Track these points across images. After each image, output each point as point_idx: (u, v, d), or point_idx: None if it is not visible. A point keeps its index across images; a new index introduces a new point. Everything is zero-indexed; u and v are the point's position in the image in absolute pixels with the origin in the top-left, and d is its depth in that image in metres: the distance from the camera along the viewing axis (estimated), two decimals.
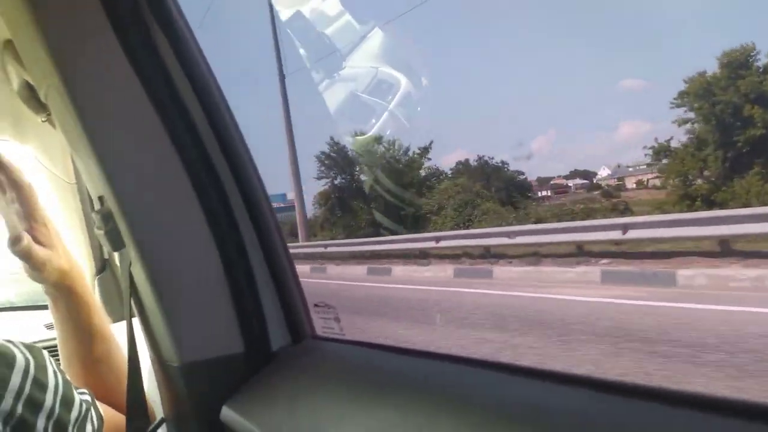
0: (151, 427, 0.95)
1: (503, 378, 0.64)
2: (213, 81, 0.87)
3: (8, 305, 2.39)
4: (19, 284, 2.58)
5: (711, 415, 0.45)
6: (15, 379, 0.81)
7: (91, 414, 0.93)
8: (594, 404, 0.53)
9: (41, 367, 0.86)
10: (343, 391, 0.74)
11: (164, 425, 0.98)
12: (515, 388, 0.61)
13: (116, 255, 0.95)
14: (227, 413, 0.84)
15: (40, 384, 0.84)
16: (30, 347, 0.89)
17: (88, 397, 0.95)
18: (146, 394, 0.96)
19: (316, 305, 0.97)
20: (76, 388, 0.93)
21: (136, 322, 0.96)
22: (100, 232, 0.88)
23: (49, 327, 2.01)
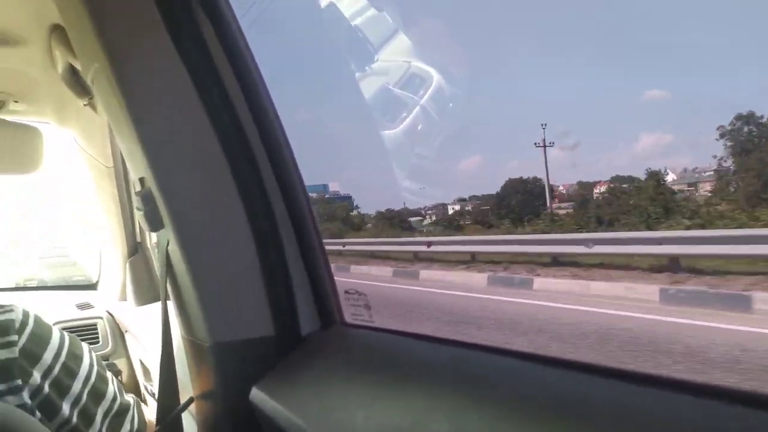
0: (180, 406, 0.98)
1: (530, 366, 0.65)
2: (256, 71, 0.89)
3: (45, 285, 2.46)
4: (55, 268, 2.66)
5: (723, 404, 0.46)
6: (46, 357, 0.84)
7: (133, 415, 0.96)
8: (620, 394, 0.53)
9: (74, 355, 0.90)
10: (371, 376, 0.75)
11: (193, 404, 1.01)
12: (542, 377, 0.61)
13: (152, 238, 0.97)
14: (256, 394, 0.86)
15: (69, 370, 0.87)
16: (72, 337, 0.92)
17: (131, 401, 0.98)
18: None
19: (346, 292, 0.98)
20: (121, 390, 0.97)
21: (169, 303, 0.99)
22: (139, 213, 0.90)
23: (81, 307, 2.07)
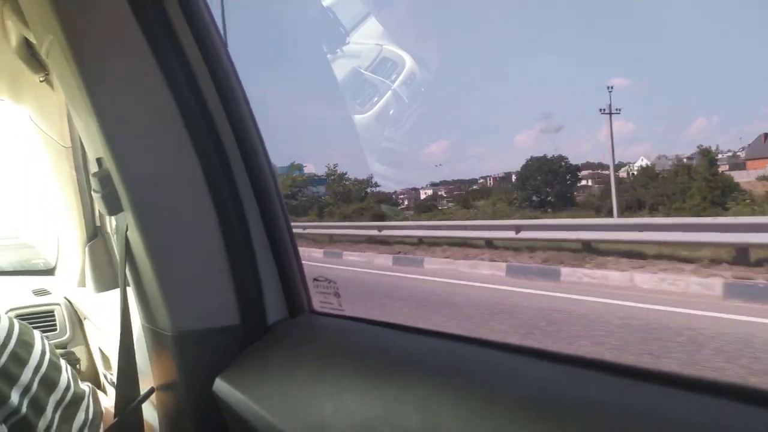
0: (140, 396, 0.95)
1: (506, 357, 0.63)
2: (222, 45, 0.85)
3: None
4: (9, 251, 2.55)
5: (719, 400, 0.45)
6: None
7: (88, 404, 0.93)
8: (598, 385, 0.53)
9: (24, 342, 0.86)
10: (340, 366, 0.73)
11: (154, 395, 0.97)
12: (519, 368, 0.60)
13: (112, 219, 0.93)
14: (220, 385, 0.83)
15: (17, 358, 0.83)
16: (23, 324, 0.89)
17: (86, 389, 0.95)
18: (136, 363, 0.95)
19: (315, 279, 0.96)
20: (76, 378, 0.93)
21: (129, 290, 0.95)
22: (97, 195, 0.86)
23: (37, 293, 2.00)
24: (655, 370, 0.50)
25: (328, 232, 13.81)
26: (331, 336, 0.86)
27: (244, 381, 0.81)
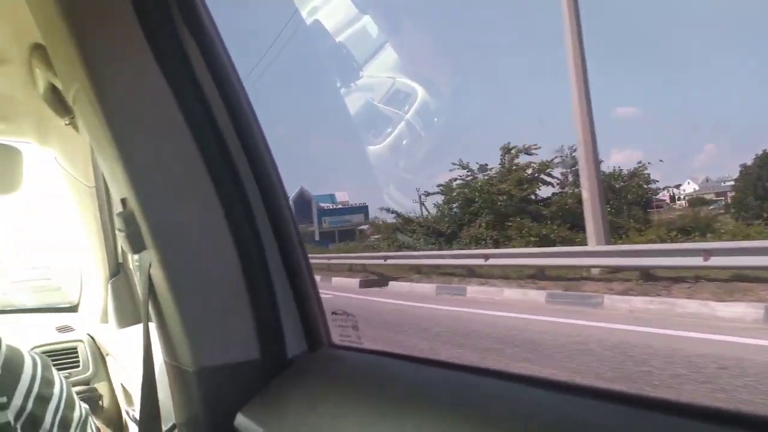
0: None
1: (523, 389, 0.63)
2: (241, 90, 0.88)
3: (23, 308, 2.41)
4: (35, 290, 2.60)
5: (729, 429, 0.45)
6: (24, 378, 0.84)
7: (90, 422, 0.95)
8: (617, 418, 0.52)
9: (47, 366, 0.90)
10: (360, 400, 0.73)
11: (176, 431, 0.98)
12: (535, 400, 0.60)
13: (135, 258, 0.95)
14: (241, 420, 0.83)
15: (48, 381, 0.87)
16: (43, 359, 0.92)
17: (86, 406, 0.98)
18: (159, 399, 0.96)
19: (333, 313, 0.96)
20: (87, 416, 0.96)
21: (151, 326, 0.97)
22: (121, 234, 0.88)
23: (61, 330, 2.03)
24: (683, 403, 0.50)
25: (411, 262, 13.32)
26: (350, 370, 0.86)
27: (265, 416, 0.81)
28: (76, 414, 0.91)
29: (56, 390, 0.89)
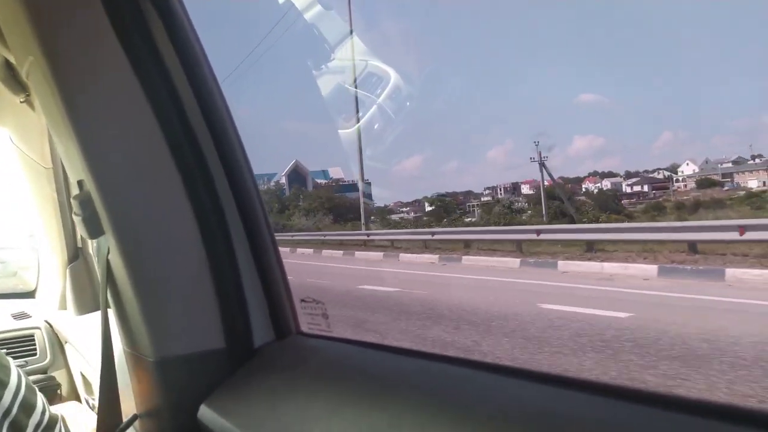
0: (123, 424, 0.92)
1: (500, 379, 0.62)
2: (207, 65, 0.84)
3: None
4: None
5: (715, 422, 0.45)
6: None
7: (60, 429, 0.92)
8: (593, 408, 0.52)
9: (2, 366, 0.86)
10: (330, 389, 0.71)
11: (137, 422, 0.94)
12: (514, 391, 0.59)
13: (93, 243, 0.91)
14: (205, 412, 0.81)
15: (2, 366, 0.84)
16: None
17: (58, 414, 0.95)
18: (119, 390, 0.93)
19: (303, 300, 0.94)
20: (47, 403, 0.92)
21: (110, 314, 0.93)
22: (77, 218, 0.84)
23: (17, 317, 1.95)
24: (666, 394, 0.49)
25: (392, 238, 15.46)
26: (319, 359, 0.84)
27: (230, 407, 0.79)
28: (34, 419, 0.87)
29: (14, 375, 0.86)
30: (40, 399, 0.90)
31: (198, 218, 0.83)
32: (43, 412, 0.89)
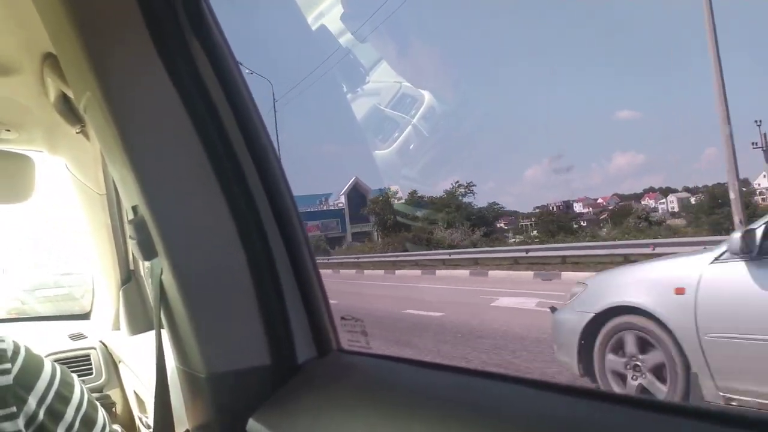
0: None
1: (534, 393, 0.63)
2: (248, 96, 0.88)
3: (37, 316, 2.43)
4: (48, 301, 2.63)
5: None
6: (40, 384, 0.85)
7: (111, 428, 0.96)
8: (632, 422, 0.52)
9: (66, 383, 0.91)
10: (370, 404, 0.73)
11: None
12: (549, 404, 0.60)
13: (146, 265, 0.96)
14: (253, 425, 0.84)
15: (62, 397, 0.88)
16: (62, 367, 0.94)
17: (118, 429, 0.98)
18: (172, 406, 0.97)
19: (343, 318, 0.97)
20: (108, 420, 0.97)
21: (163, 332, 0.97)
22: (132, 241, 0.89)
23: (74, 337, 2.04)
24: (690, 407, 0.50)
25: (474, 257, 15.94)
26: (360, 375, 0.87)
27: (277, 421, 0.82)
28: (100, 416, 0.93)
29: (77, 391, 0.91)
30: (101, 415, 0.95)
31: (242, 239, 0.87)
32: (104, 428, 0.93)
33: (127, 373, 1.83)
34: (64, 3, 0.83)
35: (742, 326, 2.63)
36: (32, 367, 0.85)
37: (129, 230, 0.89)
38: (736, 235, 2.70)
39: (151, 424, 0.98)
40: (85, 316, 2.32)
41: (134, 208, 0.89)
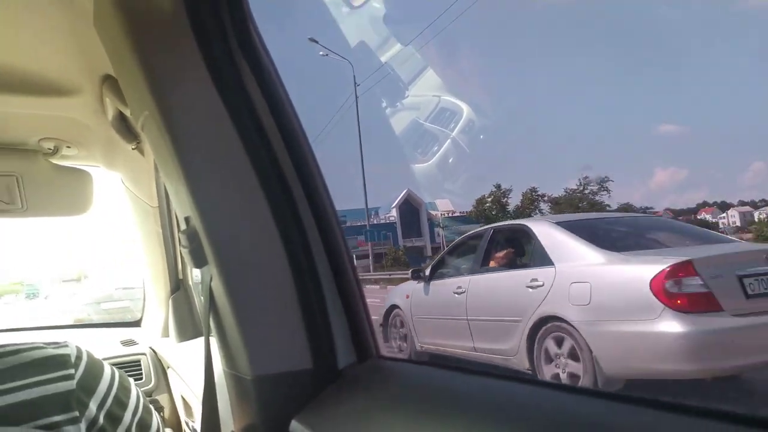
0: None
1: (572, 398, 0.64)
2: (294, 114, 0.94)
3: (89, 322, 2.54)
4: (103, 311, 2.74)
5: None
6: (101, 389, 0.88)
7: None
8: (665, 425, 0.53)
9: (124, 387, 0.94)
10: (409, 410, 0.76)
11: None
12: (584, 408, 0.61)
13: (194, 274, 1.01)
14: (296, 427, 0.87)
15: (120, 401, 0.91)
16: (120, 371, 0.97)
17: (158, 416, 1.02)
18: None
19: (381, 325, 0.99)
20: (161, 423, 1.01)
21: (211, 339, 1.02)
22: (185, 250, 0.95)
23: (125, 344, 2.12)
24: (710, 408, 0.50)
25: None
26: (399, 380, 0.89)
27: (318, 424, 0.85)
28: (154, 420, 0.96)
29: (133, 395, 0.95)
30: (155, 419, 0.98)
31: (286, 247, 0.91)
32: (158, 431, 0.98)
33: (175, 379, 1.89)
34: (123, 29, 0.90)
35: (424, 311, 5.89)
36: (94, 371, 0.89)
37: (182, 239, 0.95)
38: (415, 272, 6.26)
39: (197, 428, 1.02)
40: (136, 323, 2.41)
41: (187, 219, 0.95)
